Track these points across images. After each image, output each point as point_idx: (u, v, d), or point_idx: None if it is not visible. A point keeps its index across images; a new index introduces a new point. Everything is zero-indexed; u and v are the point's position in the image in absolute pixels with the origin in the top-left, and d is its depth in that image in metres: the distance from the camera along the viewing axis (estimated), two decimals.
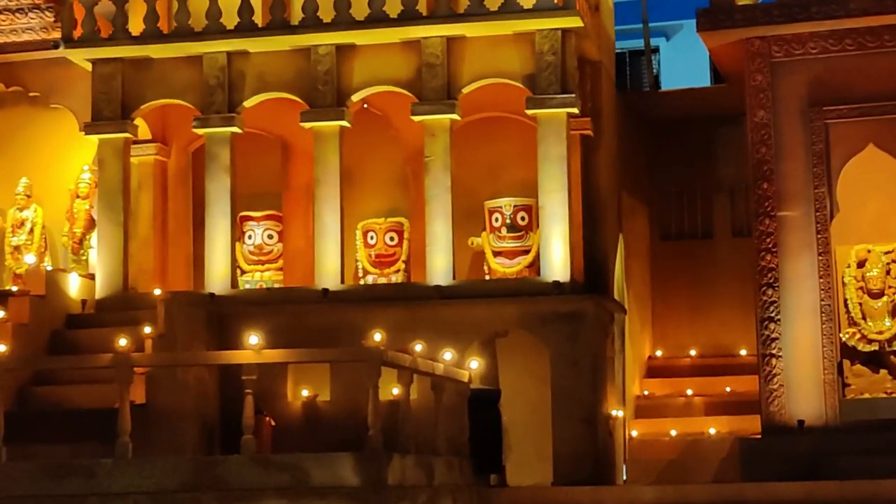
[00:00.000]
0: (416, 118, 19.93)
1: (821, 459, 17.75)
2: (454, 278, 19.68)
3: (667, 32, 34.70)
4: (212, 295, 20.02)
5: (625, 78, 33.87)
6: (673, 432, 21.67)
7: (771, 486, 16.81)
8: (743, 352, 22.42)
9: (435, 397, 16.15)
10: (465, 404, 17.23)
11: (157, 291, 19.63)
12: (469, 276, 20.89)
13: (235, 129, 20.51)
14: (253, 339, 14.17)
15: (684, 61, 30.90)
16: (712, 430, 21.38)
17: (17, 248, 22.15)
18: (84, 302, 20.68)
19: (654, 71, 36.43)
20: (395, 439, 14.57)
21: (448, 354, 16.56)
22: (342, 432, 17.31)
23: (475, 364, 17.70)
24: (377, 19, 19.93)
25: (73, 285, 20.71)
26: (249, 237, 21.54)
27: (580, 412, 18.82)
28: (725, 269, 23.29)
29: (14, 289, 20.50)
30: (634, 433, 21.96)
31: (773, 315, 19.45)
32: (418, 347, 15.87)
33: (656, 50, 34.24)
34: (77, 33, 20.80)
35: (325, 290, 19.78)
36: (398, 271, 21.12)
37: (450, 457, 16.09)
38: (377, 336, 14.40)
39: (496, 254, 20.74)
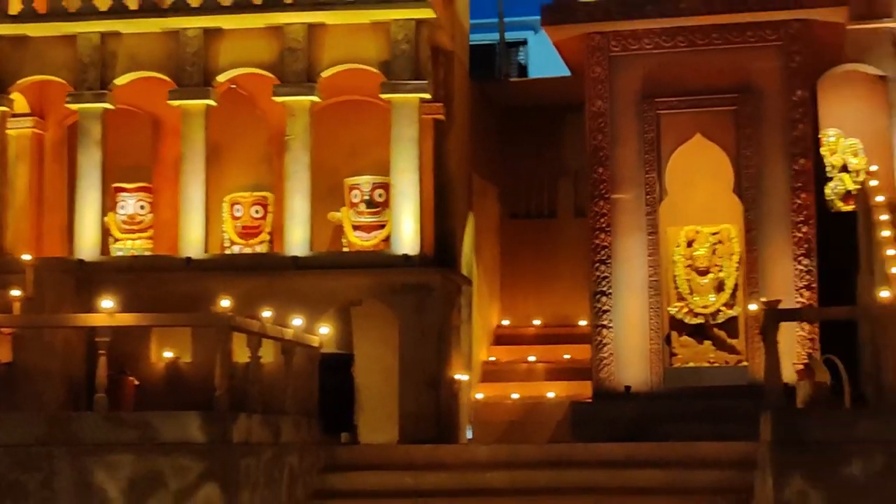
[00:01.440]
0: (278, 99, 19.72)
1: (645, 423, 17.99)
2: (311, 250, 19.49)
3: (534, 26, 34.80)
4: (81, 261, 19.62)
5: (492, 67, 33.93)
6: (515, 396, 21.76)
7: (597, 447, 16.86)
8: (582, 322, 22.42)
9: (284, 361, 15.97)
10: (315, 368, 17.03)
11: (27, 257, 19.13)
12: (330, 248, 20.76)
13: (108, 106, 20.15)
14: (106, 303, 13.91)
15: (552, 53, 31.13)
16: (550, 394, 21.48)
17: None
18: None
19: (522, 62, 36.64)
20: (244, 399, 14.39)
21: (298, 321, 16.36)
22: (202, 393, 16.95)
23: (325, 330, 17.53)
24: (242, 5, 19.76)
25: None
26: (122, 208, 21.23)
27: (425, 376, 18.83)
28: (568, 247, 23.30)
29: None
30: (480, 396, 21.98)
31: (605, 289, 19.59)
32: (267, 314, 15.65)
33: (524, 42, 34.40)
34: None
35: (188, 259, 19.51)
36: (262, 242, 20.95)
37: (298, 416, 15.90)
38: (225, 302, 14.22)
39: (355, 228, 20.62)
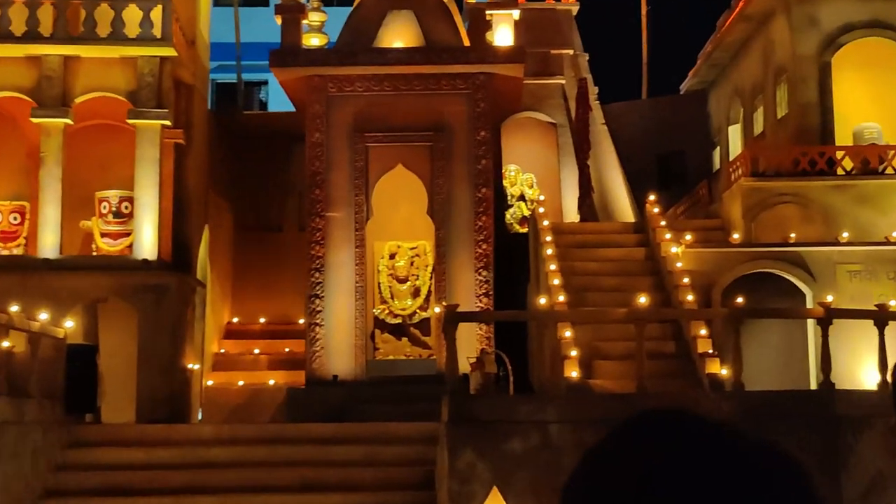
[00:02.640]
0: (35, 120, 19.62)
1: (349, 406, 18.53)
2: (61, 253, 19.48)
3: None
4: None
5: (246, 101, 34.20)
6: (241, 383, 22.13)
7: (307, 426, 17.47)
8: (301, 321, 22.85)
9: (30, 350, 16.00)
10: (62, 356, 17.06)
11: None
12: (82, 252, 20.68)
13: None
14: None
15: None
16: (272, 382, 21.90)
17: None
18: None
19: (263, 98, 37.05)
20: None
21: (44, 315, 16.44)
22: None
23: (71, 324, 17.63)
24: (4, 36, 19.49)
25: None
26: None
27: (160, 364, 19.06)
28: (291, 256, 23.45)
29: None
30: (210, 382, 22.26)
31: (318, 293, 20.17)
32: (14, 308, 15.72)
33: (266, 82, 34.70)
34: None
35: None
36: (19, 245, 20.71)
37: (43, 399, 15.95)
38: None
39: (103, 235, 20.63)
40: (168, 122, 19.83)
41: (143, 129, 19.64)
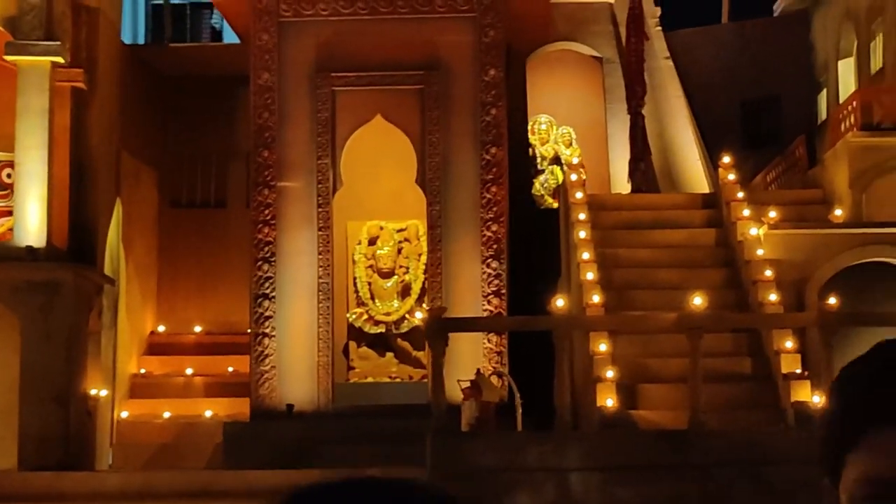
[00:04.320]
0: None
1: (307, 446, 18.26)
2: None
3: None
4: None
5: (183, 30, 33.89)
6: (167, 414, 22.07)
7: (250, 474, 17.25)
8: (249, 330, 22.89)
9: None
10: None
11: None
12: None
13: None
14: None
15: None
16: (208, 413, 21.88)
17: None
18: None
19: (217, 25, 36.73)
20: None
21: None
22: None
23: None
24: None
25: None
26: None
27: (51, 390, 18.88)
28: (238, 242, 23.05)
29: None
30: (125, 414, 22.17)
31: (267, 292, 19.98)
32: None
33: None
34: None
35: None
36: None
37: None
38: None
39: None
40: (61, 59, 19.65)
41: (26, 69, 19.49)
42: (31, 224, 19.32)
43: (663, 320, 15.48)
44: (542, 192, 23.76)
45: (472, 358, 18.38)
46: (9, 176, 20.25)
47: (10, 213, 20.15)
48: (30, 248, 19.16)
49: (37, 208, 19.37)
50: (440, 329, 15.38)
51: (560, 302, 16.38)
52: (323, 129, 20.23)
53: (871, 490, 2.43)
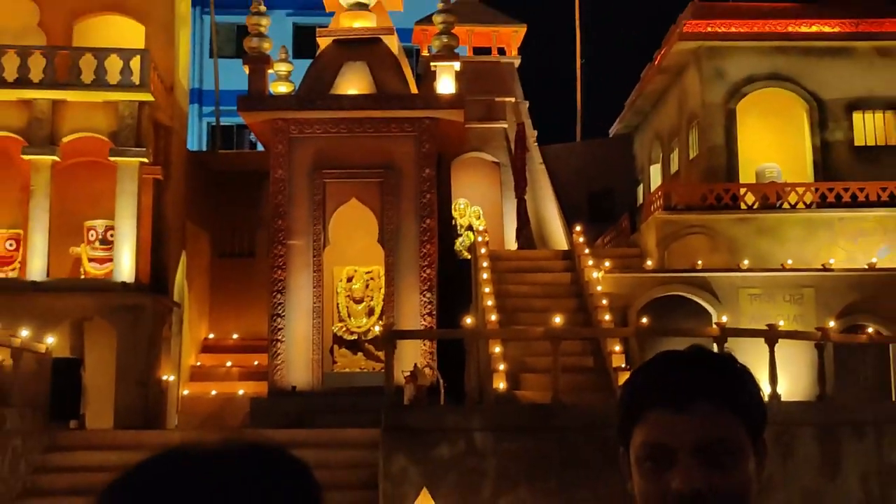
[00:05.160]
0: (26, 157, 19.20)
1: (306, 414, 18.03)
2: (48, 276, 19.00)
3: None
4: None
5: (230, 142, 33.72)
6: (213, 392, 21.62)
7: (266, 432, 16.59)
8: None
9: (13, 364, 15.47)
10: (46, 369, 16.54)
11: None
12: (71, 276, 20.18)
13: None
14: None
15: None
16: (241, 391, 21.40)
17: None
18: None
19: (253, 139, 36.38)
20: None
21: (25, 332, 15.98)
22: None
23: (52, 339, 17.13)
24: None
25: None
26: None
27: (136, 376, 18.58)
28: (261, 280, 22.56)
29: None
30: (186, 392, 21.73)
31: (280, 312, 19.78)
32: None
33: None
34: None
35: None
36: (14, 269, 20.28)
37: (24, 408, 15.42)
38: None
39: (91, 260, 20.28)
40: (146, 160, 19.42)
41: (123, 166, 19.26)
42: (125, 267, 19.06)
43: (536, 332, 15.32)
44: (461, 249, 23.75)
45: (412, 356, 18.13)
46: (111, 235, 19.95)
47: (111, 260, 19.83)
48: (123, 283, 18.91)
49: (129, 257, 19.10)
50: (391, 337, 15.23)
51: (469, 320, 16.28)
52: (317, 207, 20.03)
53: (647, 452, 2.31)
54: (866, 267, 18.55)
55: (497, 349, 15.98)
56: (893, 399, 16.35)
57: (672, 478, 2.52)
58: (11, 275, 20.14)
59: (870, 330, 17.17)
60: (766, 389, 15.36)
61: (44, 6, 20.26)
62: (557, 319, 15.05)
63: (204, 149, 29.75)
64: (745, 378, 2.77)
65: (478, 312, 18.66)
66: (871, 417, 14.13)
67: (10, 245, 20.50)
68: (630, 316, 18.00)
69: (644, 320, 15.34)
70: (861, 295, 17.70)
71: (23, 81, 19.06)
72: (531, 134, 24.92)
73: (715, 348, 14.92)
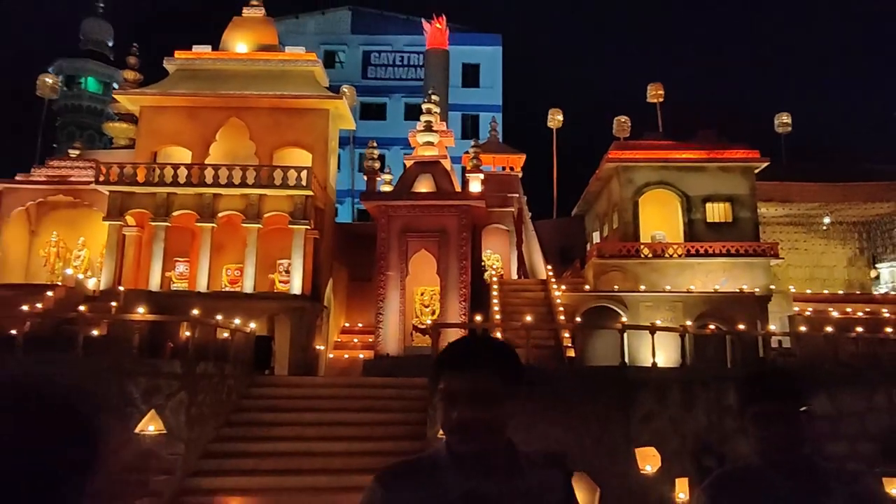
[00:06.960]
0: (244, 225, 19.42)
1: (394, 369, 17.61)
2: (255, 290, 19.19)
3: None
4: (150, 291, 18.97)
5: (363, 216, 33.61)
6: (346, 356, 21.36)
7: (370, 379, 16.47)
8: None
9: (232, 338, 15.64)
10: (251, 341, 16.52)
11: (121, 288, 18.29)
12: (269, 289, 20.19)
13: (167, 224, 19.60)
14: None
15: None
16: (361, 356, 21.03)
17: None
18: None
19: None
20: (206, 355, 14.03)
21: (237, 320, 16.13)
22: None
23: (253, 325, 17.28)
24: (230, 184, 19.37)
25: None
26: (177, 268, 20.66)
27: (301, 346, 18.54)
28: (373, 294, 21.84)
29: None
30: (331, 356, 21.54)
31: (381, 311, 19.63)
32: (219, 317, 15.45)
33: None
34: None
35: (199, 293, 19.00)
36: (238, 286, 20.31)
37: (236, 363, 15.45)
38: (219, 316, 13.91)
39: (280, 281, 20.47)
40: (309, 227, 19.56)
41: (296, 231, 19.42)
42: (296, 286, 19.10)
43: (521, 325, 14.99)
44: (487, 279, 23.37)
45: (454, 337, 17.75)
46: (290, 268, 20.08)
47: (288, 283, 20.02)
48: (295, 295, 18.96)
49: (299, 280, 19.13)
50: (435, 327, 14.99)
51: (478, 318, 16.01)
52: (402, 254, 19.93)
53: (442, 396, 2.36)
54: (713, 291, 17.85)
55: (498, 334, 15.70)
56: (729, 366, 15.64)
57: (453, 412, 2.49)
58: (236, 289, 20.46)
59: (712, 327, 16.50)
60: (648, 360, 14.84)
61: (257, 144, 20.70)
62: (529, 318, 14.73)
63: (344, 220, 29.80)
64: (504, 351, 2.66)
65: (489, 313, 18.49)
66: (712, 377, 13.53)
67: (236, 273, 20.84)
68: (576, 318, 17.60)
69: (578, 319, 14.90)
70: (709, 307, 17.03)
71: (245, 184, 19.41)
72: (527, 213, 24.65)
73: (622, 337, 14.47)
